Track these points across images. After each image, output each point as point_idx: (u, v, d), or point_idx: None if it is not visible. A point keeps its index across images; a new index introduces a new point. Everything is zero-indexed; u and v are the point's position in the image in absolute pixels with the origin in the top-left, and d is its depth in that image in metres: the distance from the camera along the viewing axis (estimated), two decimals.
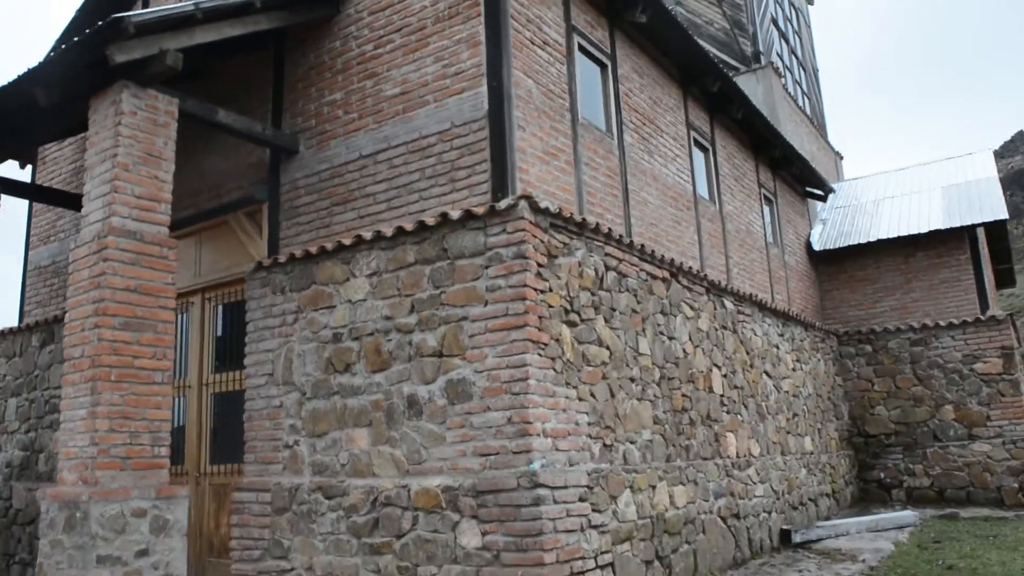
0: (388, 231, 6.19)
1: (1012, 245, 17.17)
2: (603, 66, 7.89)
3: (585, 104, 7.42)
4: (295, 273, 6.82)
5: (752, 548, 8.22)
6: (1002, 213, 12.39)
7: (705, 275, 8.45)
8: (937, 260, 13.15)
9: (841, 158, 19.49)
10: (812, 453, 11.16)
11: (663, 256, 7.52)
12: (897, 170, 15.85)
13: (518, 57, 6.41)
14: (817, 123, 19.11)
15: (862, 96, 63.61)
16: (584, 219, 6.27)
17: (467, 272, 5.80)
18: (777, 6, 17.41)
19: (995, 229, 14.27)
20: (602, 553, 5.73)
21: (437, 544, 5.53)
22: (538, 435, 5.42)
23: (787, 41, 17.59)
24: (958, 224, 12.65)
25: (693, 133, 9.83)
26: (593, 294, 6.40)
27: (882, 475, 12.89)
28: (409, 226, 6.08)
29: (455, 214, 5.85)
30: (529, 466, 5.29)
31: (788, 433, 10.43)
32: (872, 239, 13.31)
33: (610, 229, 6.63)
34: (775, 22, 16.77)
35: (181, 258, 8.14)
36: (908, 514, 10.48)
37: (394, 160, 6.66)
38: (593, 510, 5.73)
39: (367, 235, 6.31)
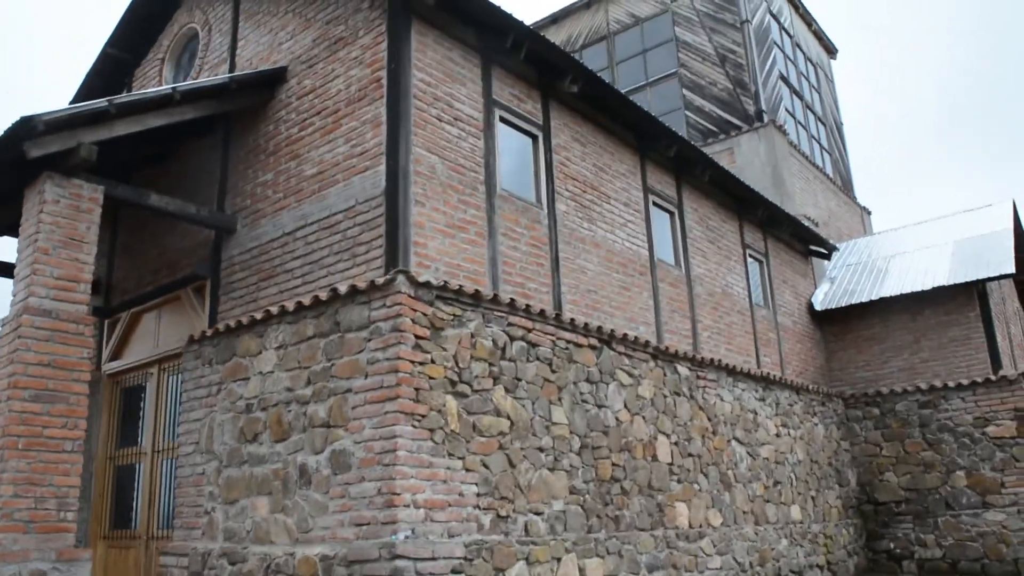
0: (291, 306, 6.48)
1: None
2: (534, 137, 8.10)
3: (508, 176, 7.62)
4: (220, 346, 7.17)
5: None
6: (1008, 268, 11.77)
7: (647, 341, 8.39)
8: (946, 318, 12.58)
9: (868, 213, 18.97)
10: (800, 522, 10.70)
11: (587, 324, 7.54)
12: (914, 224, 15.32)
13: (420, 135, 6.69)
14: (843, 179, 18.71)
15: (907, 149, 61.59)
16: (478, 290, 6.41)
17: (353, 345, 6.01)
18: (789, 63, 17.33)
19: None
20: None
21: None
22: (407, 506, 5.50)
23: (800, 97, 17.43)
24: (962, 280, 12.10)
25: (653, 197, 9.87)
26: (492, 364, 6.48)
27: (892, 545, 12.18)
28: (307, 301, 6.35)
29: (343, 289, 6.10)
30: (392, 537, 5.37)
31: (767, 502, 10.06)
32: (875, 297, 12.86)
33: (513, 299, 6.74)
34: (784, 79, 16.68)
35: (143, 331, 8.70)
36: None
37: (308, 237, 6.99)
38: None
39: (274, 310, 6.62)
